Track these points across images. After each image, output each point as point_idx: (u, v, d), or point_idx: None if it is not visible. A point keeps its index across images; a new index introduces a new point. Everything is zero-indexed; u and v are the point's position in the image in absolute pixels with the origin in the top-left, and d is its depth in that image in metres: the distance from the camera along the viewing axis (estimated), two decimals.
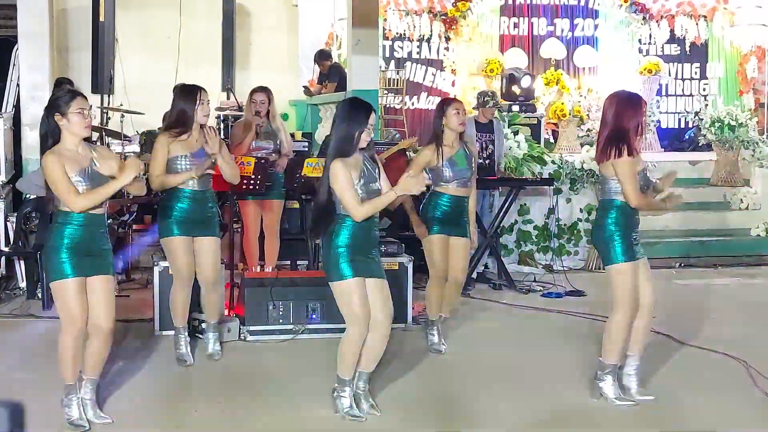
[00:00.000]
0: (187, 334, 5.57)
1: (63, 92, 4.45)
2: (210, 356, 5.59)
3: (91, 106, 4.41)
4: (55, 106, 4.29)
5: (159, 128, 9.43)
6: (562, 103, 11.19)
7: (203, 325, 5.72)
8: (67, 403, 4.43)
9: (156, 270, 6.15)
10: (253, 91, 7.19)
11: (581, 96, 11.86)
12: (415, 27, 11.75)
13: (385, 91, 11.08)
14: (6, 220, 7.80)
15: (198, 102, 5.36)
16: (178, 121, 5.36)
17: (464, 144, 5.76)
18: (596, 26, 12.36)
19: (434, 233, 5.68)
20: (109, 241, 4.49)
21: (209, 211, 5.43)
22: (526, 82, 11.11)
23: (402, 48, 11.77)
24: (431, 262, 5.78)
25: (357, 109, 4.46)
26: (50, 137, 4.28)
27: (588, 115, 11.48)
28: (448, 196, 5.66)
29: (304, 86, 11.38)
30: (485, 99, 8.25)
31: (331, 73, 10.87)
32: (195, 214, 5.34)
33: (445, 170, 5.62)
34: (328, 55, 11.24)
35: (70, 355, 4.37)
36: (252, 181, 6.36)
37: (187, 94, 5.41)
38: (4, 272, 7.77)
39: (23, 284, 7.55)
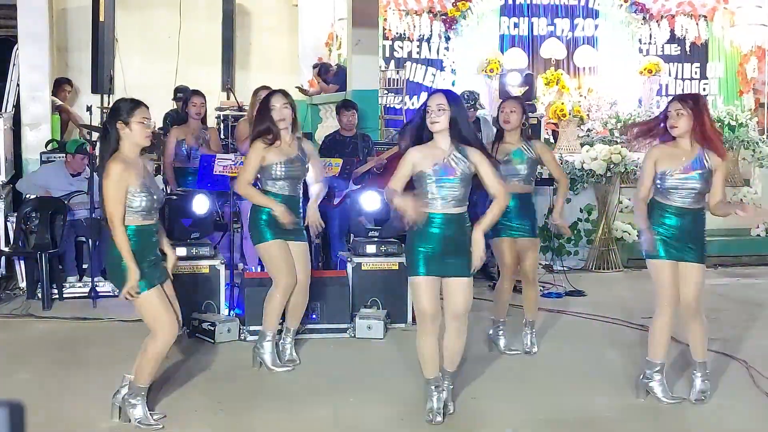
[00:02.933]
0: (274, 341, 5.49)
1: (125, 101, 4.42)
2: (290, 362, 5.52)
3: (150, 118, 4.39)
4: (117, 114, 4.29)
5: (159, 128, 9.48)
6: (562, 103, 11.19)
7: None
8: (136, 403, 4.39)
9: None
10: (257, 90, 7.29)
11: (581, 96, 11.86)
12: (415, 27, 11.75)
13: (385, 91, 11.09)
14: (6, 220, 7.81)
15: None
16: (270, 128, 5.25)
17: (525, 143, 5.78)
18: (596, 26, 12.37)
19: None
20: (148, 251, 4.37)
21: (298, 215, 5.38)
22: (519, 79, 11.13)
23: (402, 48, 11.77)
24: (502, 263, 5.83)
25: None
26: (110, 145, 4.28)
27: (588, 115, 11.48)
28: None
29: (296, 87, 11.31)
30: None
31: (336, 78, 10.86)
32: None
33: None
34: (328, 68, 11.23)
35: (160, 361, 4.43)
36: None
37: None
38: (4, 272, 7.78)
39: (23, 284, 7.55)
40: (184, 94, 8.60)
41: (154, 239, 4.39)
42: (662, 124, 4.78)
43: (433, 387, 4.44)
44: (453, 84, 11.83)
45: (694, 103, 4.72)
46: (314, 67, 11.29)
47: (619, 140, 10.83)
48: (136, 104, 4.35)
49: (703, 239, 4.94)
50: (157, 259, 4.39)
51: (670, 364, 5.12)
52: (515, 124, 5.72)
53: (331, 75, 11.08)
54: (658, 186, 4.75)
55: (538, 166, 5.97)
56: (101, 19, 9.69)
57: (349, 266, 6.50)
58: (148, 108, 4.39)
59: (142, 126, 4.29)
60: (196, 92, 7.98)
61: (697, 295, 4.80)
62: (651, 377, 4.84)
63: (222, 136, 8.97)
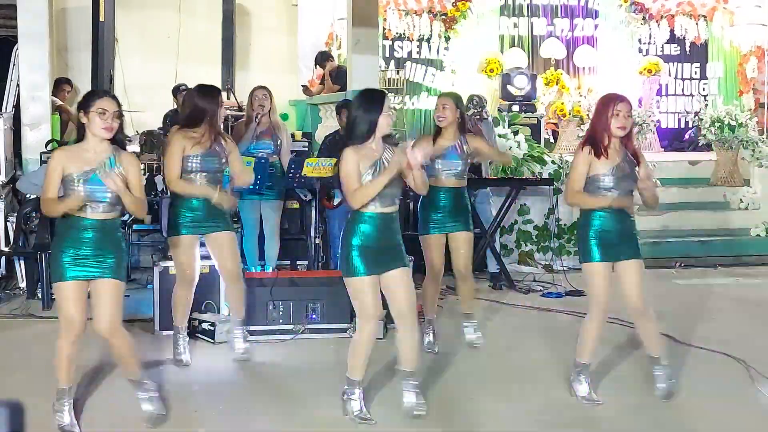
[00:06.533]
0: (186, 334, 5.61)
1: (95, 91, 4.44)
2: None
3: (119, 111, 4.27)
4: (81, 103, 4.30)
5: (159, 128, 9.47)
6: (562, 103, 11.19)
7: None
8: (58, 408, 4.38)
9: (156, 270, 6.17)
10: (254, 89, 7.29)
11: (581, 96, 11.86)
12: (415, 27, 11.75)
13: (385, 91, 11.07)
14: (6, 220, 7.80)
15: (220, 104, 5.46)
16: (197, 119, 5.34)
17: (461, 137, 5.82)
18: (596, 26, 12.36)
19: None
20: (120, 245, 4.36)
21: (218, 210, 5.39)
22: (525, 81, 11.11)
23: (402, 48, 11.77)
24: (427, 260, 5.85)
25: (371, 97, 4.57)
26: (78, 134, 4.34)
27: (588, 115, 11.47)
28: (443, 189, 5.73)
29: (303, 85, 11.38)
30: (468, 106, 8.60)
31: (336, 76, 10.84)
32: (206, 212, 5.31)
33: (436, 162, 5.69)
34: (329, 55, 11.23)
35: (62, 359, 4.41)
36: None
37: (209, 94, 5.45)
38: (4, 272, 7.78)
39: (23, 284, 7.55)
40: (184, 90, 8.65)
41: (89, 234, 4.24)
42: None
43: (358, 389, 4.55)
44: (453, 84, 11.84)
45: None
46: (317, 59, 11.23)
47: None
48: (100, 95, 4.34)
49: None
50: (96, 257, 4.24)
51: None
52: (450, 120, 5.79)
53: (332, 67, 11.01)
54: None
55: (476, 158, 6.05)
56: (101, 19, 9.69)
57: None
58: (114, 101, 4.28)
59: (101, 117, 4.19)
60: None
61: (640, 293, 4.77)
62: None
63: None
